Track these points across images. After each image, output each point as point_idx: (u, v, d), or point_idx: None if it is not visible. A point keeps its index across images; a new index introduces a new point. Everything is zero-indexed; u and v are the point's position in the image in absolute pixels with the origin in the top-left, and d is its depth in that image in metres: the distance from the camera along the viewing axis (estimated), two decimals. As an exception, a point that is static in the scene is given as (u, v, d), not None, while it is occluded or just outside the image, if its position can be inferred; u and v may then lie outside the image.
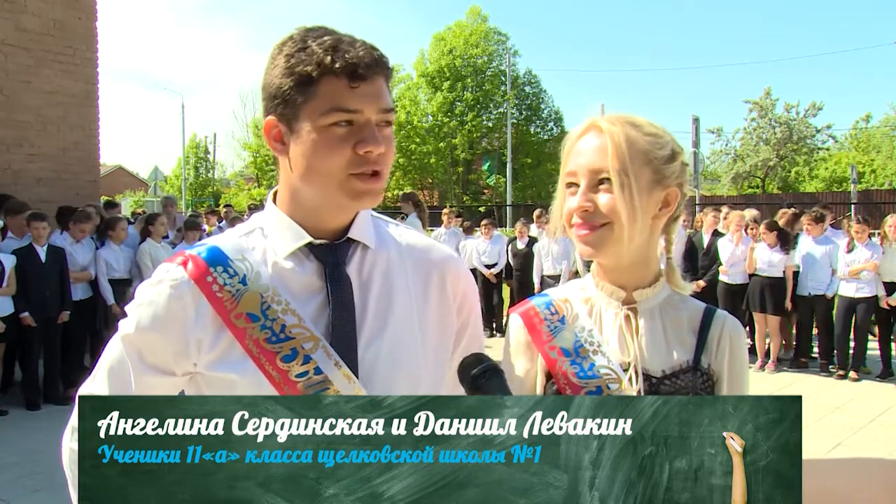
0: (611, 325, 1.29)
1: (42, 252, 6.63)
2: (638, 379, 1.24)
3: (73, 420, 1.20)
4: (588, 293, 1.34)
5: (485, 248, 10.22)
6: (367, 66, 1.11)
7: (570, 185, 1.26)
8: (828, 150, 37.20)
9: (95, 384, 1.21)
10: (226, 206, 16.56)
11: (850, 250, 7.61)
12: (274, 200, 1.26)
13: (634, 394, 1.23)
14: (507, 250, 10.12)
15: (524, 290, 9.16)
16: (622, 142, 1.21)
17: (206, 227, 10.26)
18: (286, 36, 1.17)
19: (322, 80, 1.11)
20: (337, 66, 1.10)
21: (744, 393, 1.29)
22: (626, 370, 1.25)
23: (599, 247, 1.24)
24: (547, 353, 1.29)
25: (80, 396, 0.81)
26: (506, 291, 10.64)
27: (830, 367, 7.85)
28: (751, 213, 8.75)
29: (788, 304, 7.89)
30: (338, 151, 1.12)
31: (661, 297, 1.31)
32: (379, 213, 1.37)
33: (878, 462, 0.72)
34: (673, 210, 1.29)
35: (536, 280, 9.25)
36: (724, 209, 9.53)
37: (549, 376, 1.29)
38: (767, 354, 8.13)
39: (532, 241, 9.75)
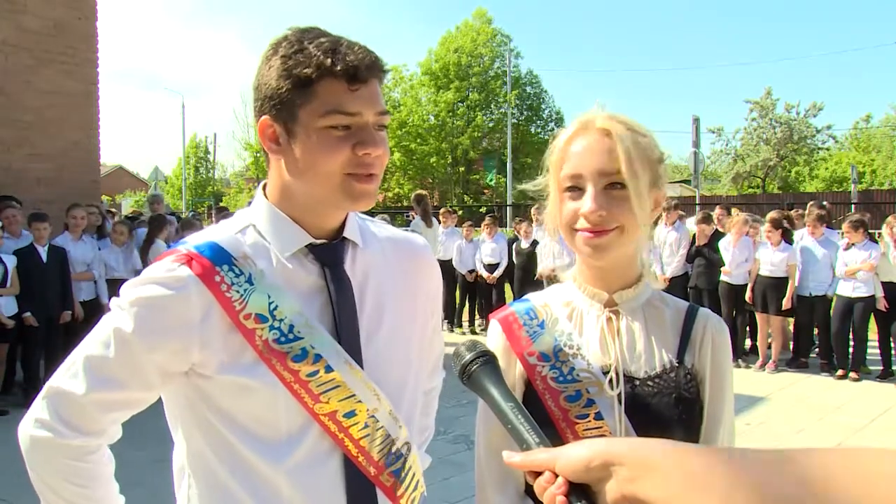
0: (592, 327, 1.27)
1: (43, 252, 6.63)
2: (619, 382, 1.22)
3: (40, 413, 1.16)
4: (569, 296, 1.32)
5: (488, 249, 10.23)
6: (366, 69, 1.12)
7: (571, 188, 1.21)
8: (828, 150, 37.19)
9: (71, 379, 1.14)
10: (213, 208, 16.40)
11: (847, 250, 7.61)
12: (263, 195, 1.24)
13: (615, 396, 1.21)
14: (512, 249, 10.14)
15: (525, 289, 9.15)
16: (631, 144, 1.18)
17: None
18: (279, 37, 1.16)
19: (321, 81, 1.10)
20: (337, 68, 1.09)
21: (727, 392, 1.27)
22: (606, 373, 1.23)
23: (607, 251, 1.21)
24: (525, 359, 1.27)
25: None
26: (507, 291, 10.65)
27: (830, 367, 7.85)
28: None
29: (786, 303, 7.88)
30: (337, 152, 1.12)
31: (644, 298, 1.29)
32: (380, 212, 1.39)
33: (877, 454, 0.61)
34: (659, 211, 1.29)
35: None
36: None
37: (528, 383, 1.27)
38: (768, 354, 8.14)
39: (535, 241, 9.75)
